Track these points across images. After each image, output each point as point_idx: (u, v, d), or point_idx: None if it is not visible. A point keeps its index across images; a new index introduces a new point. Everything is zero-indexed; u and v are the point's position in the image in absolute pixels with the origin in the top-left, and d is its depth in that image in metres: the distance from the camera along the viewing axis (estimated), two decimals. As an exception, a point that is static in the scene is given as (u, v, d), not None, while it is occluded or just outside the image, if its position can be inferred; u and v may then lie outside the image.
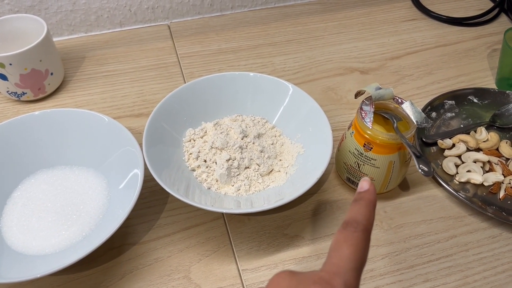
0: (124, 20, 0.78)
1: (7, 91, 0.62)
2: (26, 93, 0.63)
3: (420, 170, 0.44)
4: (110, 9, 0.75)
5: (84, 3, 0.73)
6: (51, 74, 0.64)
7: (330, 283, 0.27)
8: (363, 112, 0.48)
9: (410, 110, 0.48)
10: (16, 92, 0.62)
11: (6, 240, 0.47)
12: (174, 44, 0.76)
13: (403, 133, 0.47)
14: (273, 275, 0.29)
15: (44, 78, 0.63)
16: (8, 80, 0.60)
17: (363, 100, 0.50)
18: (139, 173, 0.48)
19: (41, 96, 0.65)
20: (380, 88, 0.49)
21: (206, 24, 0.80)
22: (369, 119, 0.48)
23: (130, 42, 0.76)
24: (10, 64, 0.58)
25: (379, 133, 0.47)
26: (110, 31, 0.78)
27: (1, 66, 0.58)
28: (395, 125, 0.48)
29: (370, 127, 0.47)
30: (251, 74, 0.59)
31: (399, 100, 0.49)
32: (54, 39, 0.76)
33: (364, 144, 0.49)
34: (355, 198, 0.33)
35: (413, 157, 0.46)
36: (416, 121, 0.47)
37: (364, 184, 0.34)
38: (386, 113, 0.50)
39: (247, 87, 0.59)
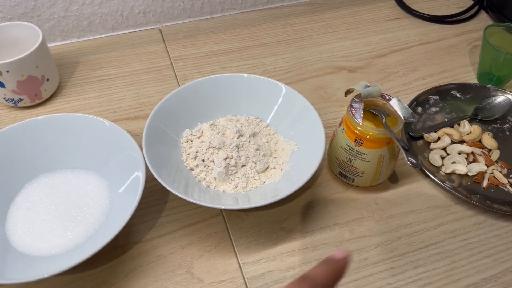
0: (116, 25, 0.79)
1: (4, 98, 0.63)
2: (23, 99, 0.64)
3: (408, 162, 0.47)
4: (102, 14, 0.77)
5: (76, 9, 0.74)
6: (47, 80, 0.65)
7: None
8: (353, 109, 0.51)
9: (398, 106, 0.50)
10: (13, 99, 0.63)
11: (12, 243, 0.48)
12: (166, 47, 0.77)
13: (392, 128, 0.50)
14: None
15: (41, 84, 0.64)
16: (5, 87, 0.61)
17: (352, 98, 0.52)
18: (140, 175, 0.50)
19: (37, 102, 0.66)
20: (369, 86, 0.51)
21: (196, 27, 0.82)
22: (359, 116, 0.50)
23: (123, 47, 0.77)
24: (7, 71, 0.60)
25: (369, 129, 0.50)
26: (103, 36, 0.79)
27: (-2, 73, 0.60)
28: (383, 120, 0.50)
29: (361, 123, 0.50)
30: (245, 75, 0.61)
31: (387, 97, 0.52)
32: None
33: (355, 139, 0.51)
34: (324, 260, 0.30)
35: (402, 150, 0.48)
36: (404, 117, 0.50)
37: (338, 254, 0.30)
38: (375, 110, 0.53)
39: (242, 88, 0.61)
